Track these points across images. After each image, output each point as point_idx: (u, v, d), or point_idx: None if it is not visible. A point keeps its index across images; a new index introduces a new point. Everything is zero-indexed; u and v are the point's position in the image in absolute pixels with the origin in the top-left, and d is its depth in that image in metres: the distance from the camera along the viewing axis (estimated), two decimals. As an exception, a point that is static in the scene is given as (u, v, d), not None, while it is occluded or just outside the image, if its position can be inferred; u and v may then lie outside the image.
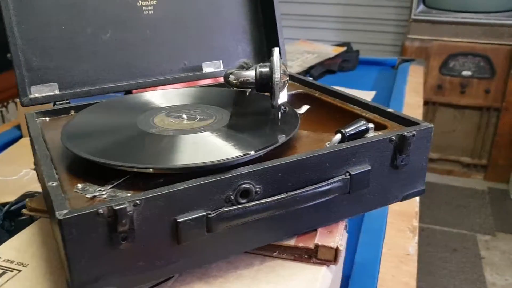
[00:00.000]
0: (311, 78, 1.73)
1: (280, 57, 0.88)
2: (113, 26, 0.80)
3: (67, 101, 0.75)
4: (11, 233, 0.75)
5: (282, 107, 0.63)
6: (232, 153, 0.54)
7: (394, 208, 1.01)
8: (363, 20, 3.02)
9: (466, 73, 2.66)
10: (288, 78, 0.62)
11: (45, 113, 0.73)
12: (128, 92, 0.91)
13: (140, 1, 0.81)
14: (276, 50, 0.60)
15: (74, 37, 0.78)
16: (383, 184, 0.62)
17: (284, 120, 0.63)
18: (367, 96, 1.55)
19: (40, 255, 0.58)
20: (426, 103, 2.74)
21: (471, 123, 2.76)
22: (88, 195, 0.50)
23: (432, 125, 0.63)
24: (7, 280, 0.54)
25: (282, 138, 0.58)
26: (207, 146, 0.58)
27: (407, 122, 0.65)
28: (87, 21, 0.78)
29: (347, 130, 0.60)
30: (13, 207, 0.87)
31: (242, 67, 0.67)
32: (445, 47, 2.63)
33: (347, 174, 0.58)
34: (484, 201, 2.72)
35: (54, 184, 0.50)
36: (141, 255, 0.49)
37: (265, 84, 0.60)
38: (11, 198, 0.92)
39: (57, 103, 0.74)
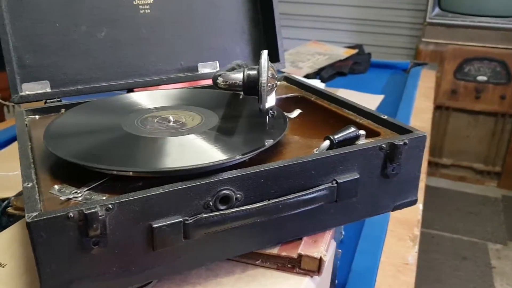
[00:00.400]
0: (319, 80, 1.71)
1: (278, 60, 0.87)
2: (108, 24, 0.79)
3: (58, 99, 0.74)
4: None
5: (270, 111, 0.61)
6: (215, 157, 0.53)
7: (395, 215, 0.99)
8: (376, 22, 2.98)
9: (481, 78, 2.60)
10: (276, 82, 0.60)
11: (35, 111, 0.72)
12: (130, 90, 0.90)
13: (136, 0, 0.80)
14: (264, 53, 0.59)
15: (68, 34, 0.77)
16: (372, 193, 0.60)
17: (272, 125, 0.62)
18: (375, 99, 1.53)
19: (19, 255, 0.57)
20: (439, 108, 2.70)
21: (486, 129, 2.71)
22: (62, 198, 0.48)
23: (425, 134, 0.61)
24: (-18, 281, 0.53)
25: (268, 142, 0.57)
26: (192, 149, 0.56)
27: (401, 129, 0.63)
28: (82, 19, 0.77)
29: (336, 137, 0.59)
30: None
31: (233, 69, 0.66)
32: (460, 51, 2.59)
33: (334, 182, 0.56)
34: (497, 209, 2.66)
35: (29, 185, 0.49)
36: (115, 261, 0.48)
37: (252, 87, 0.58)
38: (12, 193, 0.92)
39: (48, 101, 0.74)
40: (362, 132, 0.61)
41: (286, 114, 0.67)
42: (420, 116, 1.51)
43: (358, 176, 0.57)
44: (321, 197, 0.55)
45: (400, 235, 0.95)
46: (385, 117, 0.66)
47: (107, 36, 0.79)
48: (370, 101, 1.50)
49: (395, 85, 1.82)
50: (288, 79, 0.86)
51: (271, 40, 0.88)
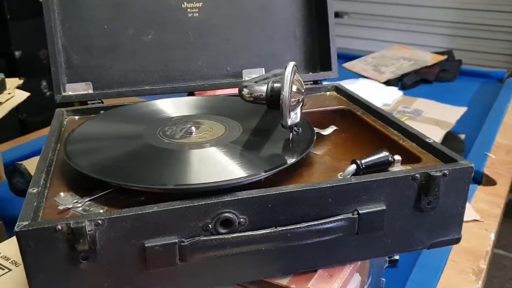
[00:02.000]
0: (395, 88, 1.61)
1: (330, 69, 0.81)
2: (156, 27, 0.78)
3: (99, 101, 0.75)
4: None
5: (295, 127, 0.57)
6: (221, 175, 0.49)
7: (461, 243, 0.89)
8: (472, 26, 2.75)
9: None
10: (303, 97, 0.55)
11: (75, 112, 0.73)
12: (191, 94, 0.89)
13: (185, 3, 0.79)
14: (290, 65, 0.54)
15: (116, 36, 0.77)
16: (403, 227, 0.53)
17: (297, 143, 0.57)
18: (456, 112, 1.40)
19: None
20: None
21: None
22: (61, 207, 0.48)
23: (472, 165, 0.53)
24: (-6, 279, 0.54)
25: (283, 163, 0.52)
26: (205, 165, 0.53)
27: (445, 157, 0.56)
28: (130, 21, 0.78)
29: (363, 161, 0.53)
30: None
31: (266, 79, 0.62)
32: None
33: (355, 212, 0.50)
34: None
35: (34, 191, 0.49)
36: (106, 277, 0.46)
37: (275, 101, 0.54)
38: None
39: (89, 102, 0.75)
40: (397, 157, 0.54)
41: (318, 130, 0.62)
42: (508, 132, 1.36)
43: (384, 208, 0.51)
44: (338, 228, 0.50)
45: (463, 267, 0.85)
46: (431, 141, 0.59)
47: (154, 39, 0.78)
48: (450, 113, 1.38)
49: (486, 96, 1.66)
50: (338, 89, 0.81)
51: (324, 47, 0.83)
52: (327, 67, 0.82)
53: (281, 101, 0.52)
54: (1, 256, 0.58)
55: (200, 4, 0.79)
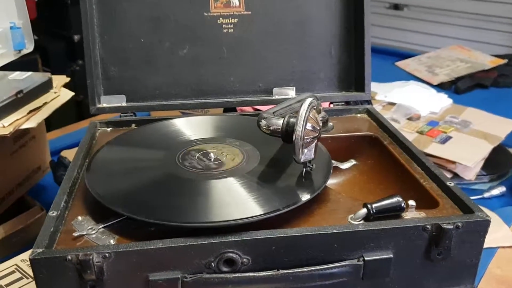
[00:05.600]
0: (445, 95, 1.55)
1: (363, 90, 0.79)
2: (191, 42, 0.80)
3: (131, 113, 0.77)
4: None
5: (308, 163, 0.56)
6: (238, 211, 0.50)
7: (494, 270, 0.86)
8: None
9: None
10: (318, 134, 0.55)
11: (108, 124, 0.76)
12: (231, 109, 0.89)
13: (220, 19, 0.79)
14: (306, 102, 0.54)
15: (152, 49, 0.79)
16: (412, 275, 0.52)
17: (310, 179, 0.57)
18: (508, 125, 1.33)
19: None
20: None
21: None
22: (75, 234, 0.50)
23: (488, 218, 0.51)
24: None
25: (283, 207, 0.52)
26: (220, 197, 0.54)
27: (463, 206, 0.54)
28: (166, 35, 0.79)
29: (374, 206, 0.52)
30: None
31: (298, 102, 0.61)
32: None
33: (361, 259, 0.50)
34: None
35: (53, 214, 0.52)
36: (113, 305, 0.49)
37: (290, 136, 0.54)
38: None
39: (122, 115, 0.77)
40: (411, 202, 0.53)
41: (337, 164, 0.61)
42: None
43: (391, 256, 0.50)
44: (343, 274, 0.50)
45: (494, 299, 0.83)
46: (451, 184, 0.57)
47: (189, 54, 0.80)
48: (501, 126, 1.31)
49: (545, 107, 1.57)
50: (369, 113, 0.79)
51: (360, 67, 0.81)
52: (360, 88, 0.81)
53: (294, 138, 0.52)
54: (28, 265, 0.62)
55: (236, 20, 0.79)
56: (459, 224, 0.50)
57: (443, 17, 2.78)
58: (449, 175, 1.00)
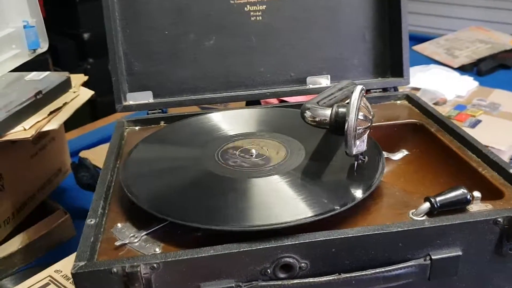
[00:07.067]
0: (471, 78, 1.50)
1: (401, 75, 0.75)
2: (217, 32, 0.75)
3: (159, 110, 0.73)
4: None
5: (360, 156, 0.52)
6: (291, 213, 0.47)
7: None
8: None
9: None
10: (370, 124, 0.51)
11: (135, 122, 0.72)
12: (254, 102, 0.85)
13: (248, 6, 0.75)
14: (357, 89, 0.49)
15: (177, 42, 0.75)
16: (481, 272, 0.48)
17: (362, 173, 0.53)
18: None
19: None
20: None
21: None
22: (117, 243, 0.47)
23: None
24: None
25: (341, 204, 0.48)
26: (269, 197, 0.50)
27: (533, 194, 0.50)
28: (191, 26, 0.75)
29: (438, 200, 0.48)
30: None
31: (340, 90, 0.57)
32: None
33: (428, 258, 0.46)
34: None
35: (91, 222, 0.48)
36: (163, 318, 0.45)
37: (340, 128, 0.50)
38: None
39: (149, 112, 0.73)
40: (476, 194, 0.49)
41: (388, 155, 0.57)
42: None
43: (460, 253, 0.46)
44: (409, 275, 0.46)
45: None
46: (516, 172, 0.53)
47: (215, 44, 0.76)
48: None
49: None
50: (410, 98, 0.75)
51: (396, 51, 0.77)
52: (398, 73, 0.76)
53: (346, 129, 0.48)
54: (62, 275, 0.58)
55: (264, 7, 0.75)
56: (533, 216, 0.46)
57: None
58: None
